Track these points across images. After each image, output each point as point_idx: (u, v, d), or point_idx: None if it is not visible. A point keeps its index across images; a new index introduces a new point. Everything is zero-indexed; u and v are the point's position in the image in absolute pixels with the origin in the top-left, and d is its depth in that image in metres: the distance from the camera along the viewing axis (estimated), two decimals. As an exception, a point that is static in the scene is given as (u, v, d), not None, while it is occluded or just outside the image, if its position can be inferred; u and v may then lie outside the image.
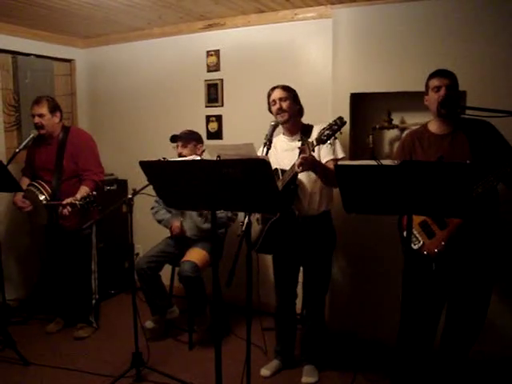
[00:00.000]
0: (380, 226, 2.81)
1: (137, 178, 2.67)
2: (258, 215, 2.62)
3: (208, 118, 3.79)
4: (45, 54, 3.97)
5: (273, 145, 2.67)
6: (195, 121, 3.76)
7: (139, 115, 4.13)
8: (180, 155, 3.13)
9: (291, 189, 2.49)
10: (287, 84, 2.66)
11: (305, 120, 2.70)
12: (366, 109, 3.18)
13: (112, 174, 4.07)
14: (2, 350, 2.89)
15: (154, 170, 1.83)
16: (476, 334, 2.30)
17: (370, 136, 3.11)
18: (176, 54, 3.88)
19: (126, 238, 2.96)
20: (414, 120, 3.00)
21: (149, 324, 3.17)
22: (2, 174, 2.75)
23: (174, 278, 3.36)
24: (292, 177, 2.44)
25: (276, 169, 2.54)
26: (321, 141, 2.28)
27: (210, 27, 3.66)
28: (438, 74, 2.22)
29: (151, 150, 3.80)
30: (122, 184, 4.08)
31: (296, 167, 2.34)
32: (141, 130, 4.13)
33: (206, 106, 3.79)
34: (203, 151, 3.19)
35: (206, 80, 3.76)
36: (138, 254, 4.02)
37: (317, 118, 2.67)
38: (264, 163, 1.63)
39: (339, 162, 2.40)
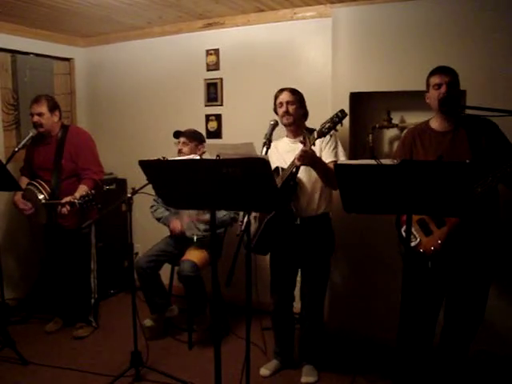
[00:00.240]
0: (379, 226, 2.81)
1: (136, 177, 2.65)
2: (256, 214, 2.61)
3: (207, 117, 3.79)
4: (44, 53, 3.97)
5: (275, 147, 2.68)
6: (195, 120, 3.76)
7: (139, 114, 4.12)
8: (180, 151, 3.13)
9: (290, 185, 2.48)
10: (287, 83, 2.66)
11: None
12: (366, 108, 3.18)
13: (111, 173, 4.07)
14: (0, 350, 2.88)
15: (154, 170, 1.83)
16: (474, 330, 2.30)
17: (370, 135, 3.11)
18: (176, 52, 3.87)
19: (126, 238, 2.97)
20: (413, 119, 3.00)
21: (147, 322, 3.16)
22: (0, 172, 2.74)
23: (173, 277, 3.36)
24: (292, 173, 2.44)
25: (277, 167, 2.55)
26: (322, 133, 2.28)
27: (209, 26, 3.65)
28: (439, 70, 2.21)
29: (150, 149, 3.79)
30: (122, 183, 4.07)
31: (296, 160, 2.34)
32: (140, 129, 4.12)
33: (206, 105, 3.79)
34: (204, 152, 3.18)
35: (205, 79, 3.75)
36: (137, 254, 4.01)
37: (316, 117, 2.66)
38: (263, 162, 1.63)
39: (339, 162, 2.41)
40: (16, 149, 3.06)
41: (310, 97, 2.70)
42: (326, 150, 2.54)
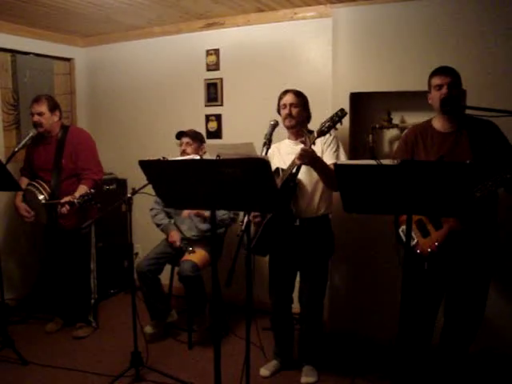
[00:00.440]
0: (379, 228, 2.81)
1: (136, 178, 2.66)
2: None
3: (207, 117, 3.79)
4: (44, 53, 3.96)
5: (277, 148, 2.68)
6: (195, 120, 3.76)
7: (139, 114, 4.12)
8: (183, 152, 3.14)
9: (290, 186, 2.48)
10: (287, 83, 2.66)
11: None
12: (366, 108, 3.18)
13: (111, 173, 4.07)
14: (0, 350, 2.87)
15: (154, 170, 1.83)
16: (474, 331, 2.30)
17: (370, 135, 3.11)
18: (176, 52, 3.87)
19: (126, 238, 2.97)
20: (413, 119, 3.00)
21: (148, 329, 3.14)
22: (1, 172, 2.74)
23: (173, 277, 3.36)
24: (291, 173, 2.44)
25: (277, 168, 2.54)
26: (322, 132, 2.28)
27: (209, 26, 3.65)
28: (440, 71, 2.20)
29: (151, 149, 3.80)
30: (122, 183, 4.07)
31: (296, 159, 2.34)
32: (140, 129, 4.12)
33: (206, 105, 3.79)
34: (205, 152, 3.19)
35: (205, 79, 3.75)
36: (137, 254, 4.02)
37: (317, 117, 2.66)
38: (263, 162, 1.63)
39: (339, 162, 2.41)
40: (16, 149, 3.06)
41: (310, 97, 2.70)
42: (327, 152, 2.53)
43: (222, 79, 3.70)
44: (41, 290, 3.68)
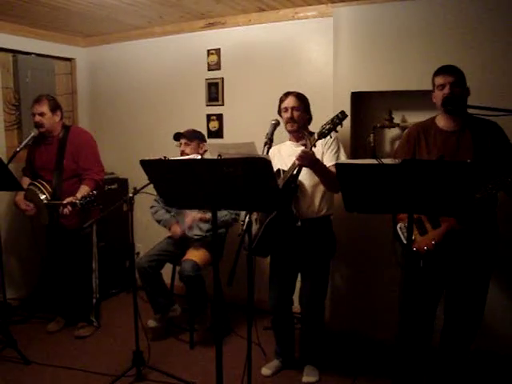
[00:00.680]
0: (379, 227, 2.80)
1: (137, 177, 2.66)
2: (256, 215, 2.60)
3: (209, 117, 3.79)
4: (45, 53, 3.97)
5: (278, 150, 2.67)
6: (196, 119, 3.76)
7: (140, 114, 4.12)
8: (182, 153, 3.14)
9: (291, 187, 2.47)
10: (288, 83, 2.66)
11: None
12: (367, 108, 3.18)
13: (113, 173, 4.07)
14: (2, 349, 2.88)
15: (155, 169, 1.83)
16: (474, 330, 2.29)
17: (371, 135, 3.10)
18: (177, 52, 3.88)
19: (127, 237, 2.96)
20: (415, 119, 2.98)
21: (151, 323, 3.17)
22: (2, 172, 2.75)
23: (174, 276, 3.36)
24: (292, 175, 2.44)
25: (278, 169, 2.54)
26: (322, 134, 2.28)
27: (210, 26, 3.65)
28: (442, 71, 2.19)
29: (152, 149, 3.80)
30: (123, 183, 4.07)
31: (296, 160, 2.34)
32: (141, 129, 4.13)
33: (207, 105, 3.79)
34: (205, 151, 3.19)
35: (206, 79, 3.75)
36: (138, 253, 4.02)
37: (317, 116, 2.66)
38: (265, 162, 1.63)
39: (340, 161, 2.40)
40: (18, 149, 3.07)
41: (311, 96, 2.70)
42: (327, 154, 2.53)
43: (223, 79, 3.70)
44: (43, 289, 3.69)
